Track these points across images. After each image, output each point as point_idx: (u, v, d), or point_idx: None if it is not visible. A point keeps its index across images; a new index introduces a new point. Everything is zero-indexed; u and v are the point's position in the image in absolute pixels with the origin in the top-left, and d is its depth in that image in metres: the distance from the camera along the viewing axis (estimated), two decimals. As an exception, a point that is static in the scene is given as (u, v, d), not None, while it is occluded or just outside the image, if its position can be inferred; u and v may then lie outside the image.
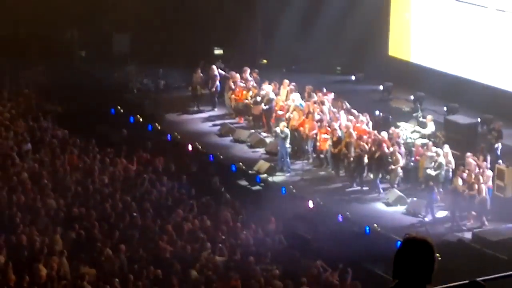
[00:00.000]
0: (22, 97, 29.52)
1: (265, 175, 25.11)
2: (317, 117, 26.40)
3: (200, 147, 26.74)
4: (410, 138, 25.56)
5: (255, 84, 29.40)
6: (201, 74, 30.69)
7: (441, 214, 22.82)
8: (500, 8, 28.57)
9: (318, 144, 25.91)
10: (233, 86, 29.76)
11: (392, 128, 25.63)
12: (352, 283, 18.60)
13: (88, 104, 28.71)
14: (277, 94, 28.53)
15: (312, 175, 25.63)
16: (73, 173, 23.14)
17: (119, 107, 29.30)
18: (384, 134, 24.74)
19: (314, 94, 27.96)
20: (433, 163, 23.29)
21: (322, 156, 26.02)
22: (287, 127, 26.04)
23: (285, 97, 28.33)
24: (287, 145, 25.79)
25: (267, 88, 28.60)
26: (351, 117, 26.11)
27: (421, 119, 27.36)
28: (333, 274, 18.87)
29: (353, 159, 24.75)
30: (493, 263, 19.41)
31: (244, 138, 28.01)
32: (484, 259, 19.77)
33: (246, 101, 29.28)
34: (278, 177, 25.28)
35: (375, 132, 25.00)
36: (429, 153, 23.56)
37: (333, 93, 28.17)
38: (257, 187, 24.52)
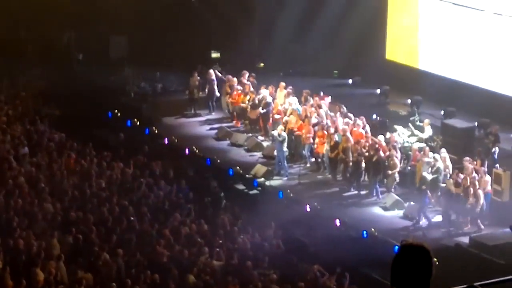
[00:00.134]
0: (19, 100, 29.49)
1: (262, 179, 25.10)
2: (314, 120, 26.42)
3: (197, 151, 26.72)
4: (407, 142, 25.56)
5: (252, 88, 29.41)
6: (198, 78, 30.71)
7: (437, 218, 22.81)
8: (497, 12, 28.58)
9: (315, 146, 25.93)
10: (230, 90, 29.78)
11: (389, 132, 25.64)
12: (349, 287, 18.60)
13: (85, 107, 28.70)
14: (274, 98, 28.55)
15: (309, 179, 25.63)
16: (70, 177, 23.10)
17: (116, 111, 29.28)
18: (380, 138, 24.75)
19: (311, 98, 27.98)
20: (430, 168, 23.29)
21: (319, 160, 26.03)
22: (284, 131, 26.05)
23: (282, 100, 28.35)
24: (285, 149, 25.79)
25: (264, 92, 28.61)
26: (348, 121, 26.11)
27: (418, 123, 27.37)
28: (330, 279, 18.86)
29: (351, 163, 24.76)
30: (491, 268, 19.42)
31: (241, 142, 28.02)
32: (481, 263, 19.78)
33: (243, 104, 29.29)
34: (275, 181, 25.27)
35: (371, 137, 25.02)
36: (426, 159, 23.56)
37: (330, 97, 28.19)
38: (254, 191, 24.50)
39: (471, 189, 21.97)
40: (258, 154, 27.27)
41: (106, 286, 17.18)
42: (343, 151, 24.90)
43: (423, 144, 24.98)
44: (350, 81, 33.45)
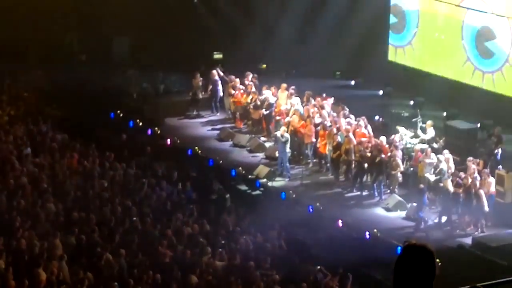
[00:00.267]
0: (21, 101, 29.50)
1: (264, 180, 25.10)
2: (317, 121, 26.43)
3: (199, 151, 26.72)
4: (410, 143, 25.55)
5: (254, 89, 29.41)
6: (201, 79, 30.71)
7: (439, 219, 22.79)
8: (500, 13, 28.55)
9: (318, 146, 25.93)
10: (232, 91, 29.78)
11: (391, 133, 25.64)
12: (351, 288, 18.61)
13: (88, 108, 28.69)
14: (276, 99, 28.54)
15: (312, 180, 25.63)
16: (72, 177, 23.11)
17: (118, 111, 29.28)
18: (382, 138, 24.73)
19: (313, 100, 27.97)
20: (433, 169, 23.29)
21: (323, 162, 26.03)
22: (287, 132, 26.05)
23: (283, 101, 28.34)
24: (287, 149, 25.78)
25: (267, 93, 28.62)
26: (350, 121, 26.11)
27: (420, 124, 27.35)
28: (333, 280, 18.85)
29: (354, 164, 24.77)
30: (493, 269, 19.40)
31: (244, 142, 28.03)
32: (484, 264, 19.76)
33: (246, 104, 29.27)
34: (278, 182, 25.28)
35: (374, 138, 25.02)
36: (428, 160, 23.55)
37: (333, 98, 28.18)
38: (257, 192, 24.50)
39: (473, 189, 21.96)
40: (261, 155, 27.27)
41: (108, 286, 17.17)
42: (345, 152, 24.90)
43: (425, 146, 24.97)
44: (353, 82, 33.45)
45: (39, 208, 20.76)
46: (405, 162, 24.73)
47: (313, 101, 27.80)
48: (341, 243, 20.71)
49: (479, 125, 27.06)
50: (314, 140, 26.12)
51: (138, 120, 28.59)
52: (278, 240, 20.80)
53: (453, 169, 23.36)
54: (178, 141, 27.58)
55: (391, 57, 32.98)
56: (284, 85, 28.88)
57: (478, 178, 22.34)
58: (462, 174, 22.49)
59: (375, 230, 21.49)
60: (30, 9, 33.86)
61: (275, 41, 33.67)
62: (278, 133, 26.05)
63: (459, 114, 28.04)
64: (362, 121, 25.94)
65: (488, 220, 22.28)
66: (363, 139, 24.93)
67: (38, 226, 19.91)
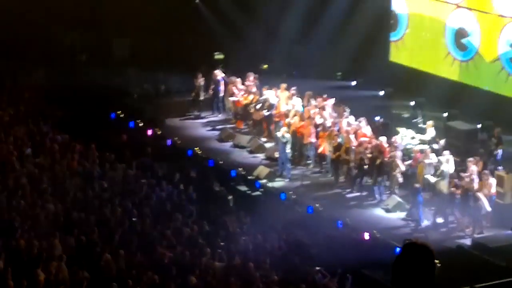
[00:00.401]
0: (22, 101, 29.49)
1: (265, 181, 25.08)
2: (318, 121, 26.41)
3: (200, 152, 26.71)
4: (410, 144, 25.52)
5: (255, 90, 29.38)
6: (203, 79, 30.69)
7: (438, 219, 22.76)
8: (501, 14, 28.54)
9: (318, 145, 25.90)
10: (233, 91, 29.76)
11: (392, 134, 25.61)
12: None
13: (88, 108, 28.69)
14: (278, 100, 28.52)
15: (312, 181, 25.61)
16: (72, 177, 23.09)
17: (119, 112, 29.27)
18: (383, 139, 24.71)
19: (313, 100, 27.94)
20: (433, 170, 23.26)
21: (324, 162, 26.00)
22: (288, 132, 26.03)
23: (283, 101, 28.30)
24: (288, 150, 25.76)
25: (268, 94, 28.59)
26: (350, 121, 26.09)
27: (421, 125, 27.33)
28: (332, 280, 18.84)
29: (355, 165, 24.75)
30: (492, 270, 19.37)
31: (244, 143, 28.01)
32: (483, 265, 19.73)
33: (247, 104, 29.25)
34: (278, 183, 25.26)
35: (374, 139, 24.99)
36: (427, 160, 23.53)
37: (333, 99, 28.15)
38: (257, 193, 24.49)
39: (471, 191, 21.95)
40: (261, 156, 27.25)
41: (108, 287, 17.14)
42: (345, 152, 24.88)
43: (425, 146, 24.93)
44: (354, 83, 33.42)
45: (39, 209, 20.73)
46: (404, 163, 24.67)
47: (314, 102, 27.77)
48: (341, 244, 20.69)
49: (479, 126, 27.03)
50: (314, 140, 26.09)
51: (138, 121, 28.58)
52: (278, 241, 20.78)
53: (452, 170, 23.33)
54: (179, 142, 27.56)
55: (392, 57, 32.96)
56: (283, 85, 28.85)
57: (477, 179, 22.31)
58: (461, 174, 22.45)
59: (375, 231, 21.47)
60: (30, 9, 33.83)
61: (276, 42, 33.65)
62: (279, 134, 26.04)
63: (460, 115, 28.00)
64: (363, 121, 25.91)
65: (487, 221, 22.25)
66: (364, 140, 24.90)
67: (38, 227, 19.89)
